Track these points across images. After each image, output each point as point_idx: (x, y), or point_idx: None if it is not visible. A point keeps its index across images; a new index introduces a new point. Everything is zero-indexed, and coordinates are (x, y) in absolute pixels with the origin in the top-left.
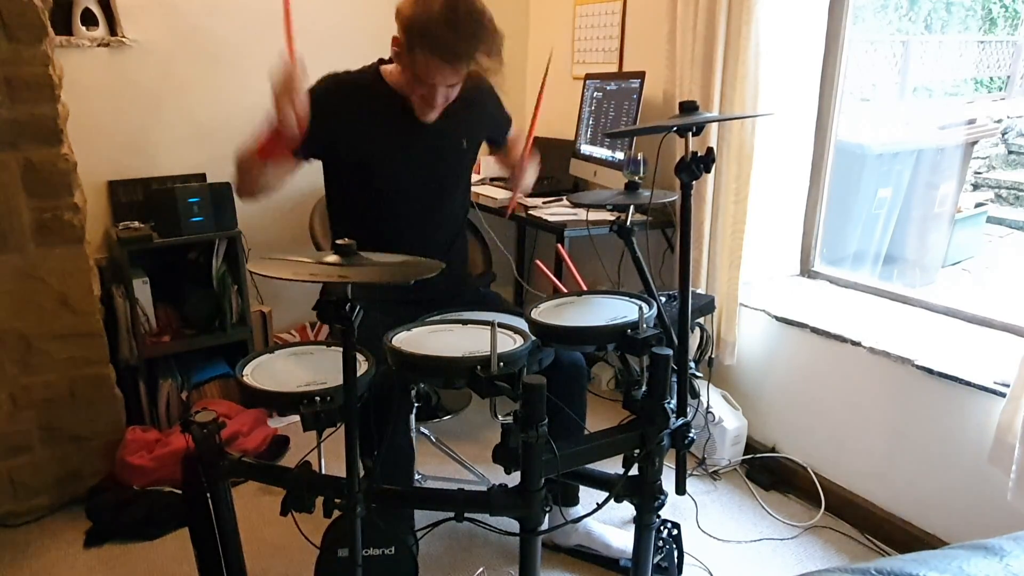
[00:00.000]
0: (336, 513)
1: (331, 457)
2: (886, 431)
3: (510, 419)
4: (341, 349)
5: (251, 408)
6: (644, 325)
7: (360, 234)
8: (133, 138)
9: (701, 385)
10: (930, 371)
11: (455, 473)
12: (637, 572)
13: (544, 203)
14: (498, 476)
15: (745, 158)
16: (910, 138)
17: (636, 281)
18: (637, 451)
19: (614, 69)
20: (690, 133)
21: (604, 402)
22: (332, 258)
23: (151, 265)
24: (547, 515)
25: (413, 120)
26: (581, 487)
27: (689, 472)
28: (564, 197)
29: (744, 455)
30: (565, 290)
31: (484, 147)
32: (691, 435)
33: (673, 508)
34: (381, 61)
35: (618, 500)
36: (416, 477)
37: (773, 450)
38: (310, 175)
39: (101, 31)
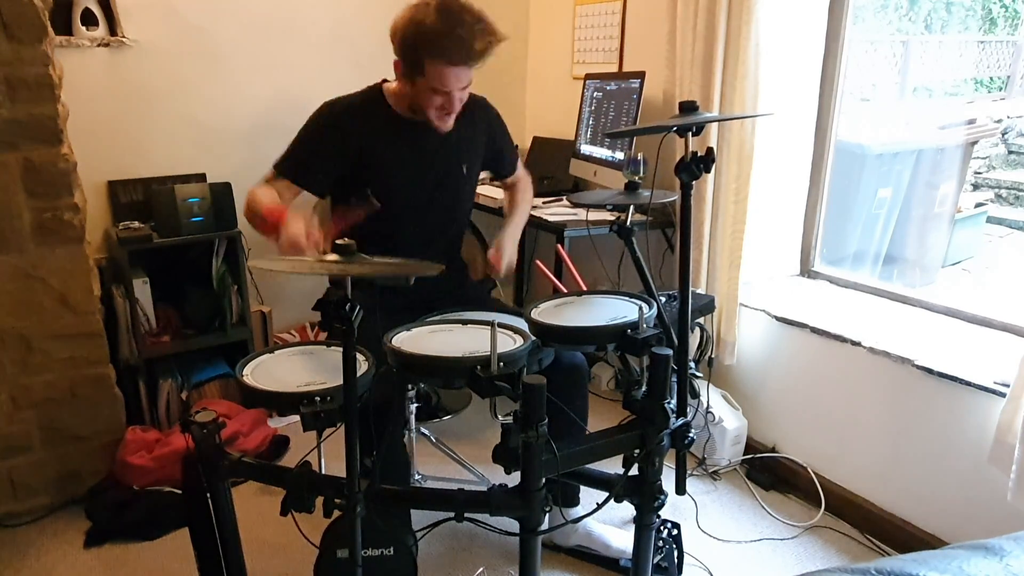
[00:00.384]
0: (336, 513)
1: (331, 457)
2: (886, 431)
3: (510, 419)
4: (341, 349)
5: (251, 408)
6: (644, 325)
7: (360, 246)
8: (133, 138)
9: (701, 385)
10: (930, 371)
11: (455, 473)
12: (637, 572)
13: (544, 203)
14: (498, 476)
15: (745, 158)
16: (910, 138)
17: (636, 281)
18: (637, 451)
19: (614, 69)
20: (690, 133)
21: (604, 402)
22: (332, 258)
23: (151, 265)
24: (547, 515)
25: (416, 140)
26: (581, 487)
27: (689, 472)
28: (564, 197)
29: (744, 455)
30: (565, 290)
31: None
32: (691, 435)
33: (673, 508)
34: (384, 81)
35: (618, 500)
36: (416, 477)
37: (773, 450)
38: None
39: (101, 31)
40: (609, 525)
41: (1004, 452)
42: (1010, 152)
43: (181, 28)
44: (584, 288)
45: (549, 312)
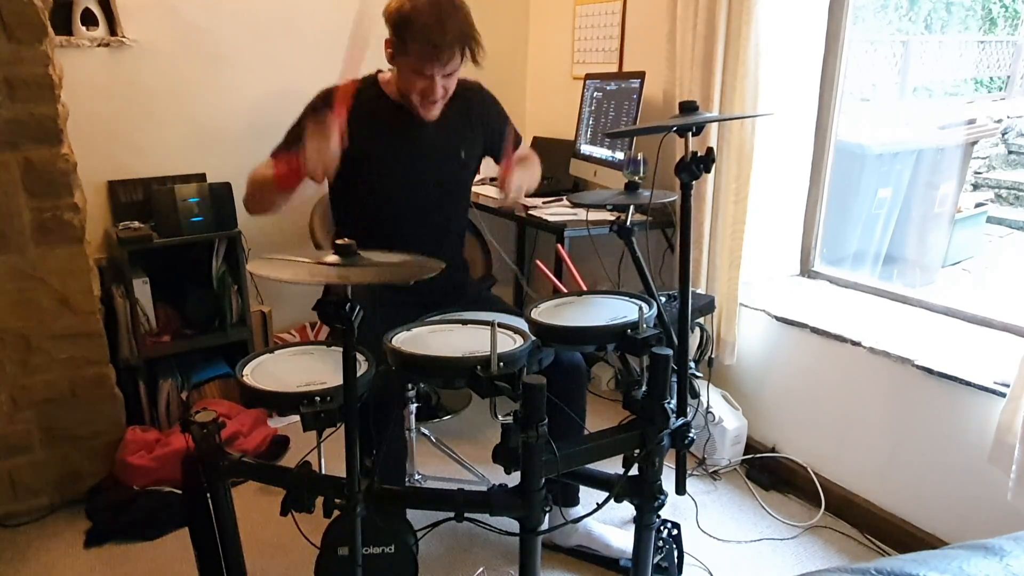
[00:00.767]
0: (336, 513)
1: (331, 457)
2: (886, 431)
3: (510, 419)
4: (341, 349)
5: (251, 408)
6: (644, 325)
7: (361, 237)
8: (133, 138)
9: (701, 385)
10: (930, 371)
11: (455, 473)
12: (637, 572)
13: (544, 203)
14: (498, 476)
15: (745, 158)
16: (910, 138)
17: (636, 281)
18: (637, 451)
19: (614, 69)
20: (690, 133)
21: (604, 402)
22: (332, 258)
23: (151, 265)
24: (547, 515)
25: (411, 128)
26: (581, 487)
27: (689, 472)
28: (564, 197)
29: (744, 455)
30: (565, 290)
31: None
32: (691, 435)
33: (673, 508)
34: (379, 72)
35: (618, 500)
36: (416, 477)
37: (773, 450)
38: None
39: (101, 31)
40: (609, 525)
41: (1004, 452)
42: (1010, 152)
43: (181, 28)
44: (584, 288)
45: (549, 312)
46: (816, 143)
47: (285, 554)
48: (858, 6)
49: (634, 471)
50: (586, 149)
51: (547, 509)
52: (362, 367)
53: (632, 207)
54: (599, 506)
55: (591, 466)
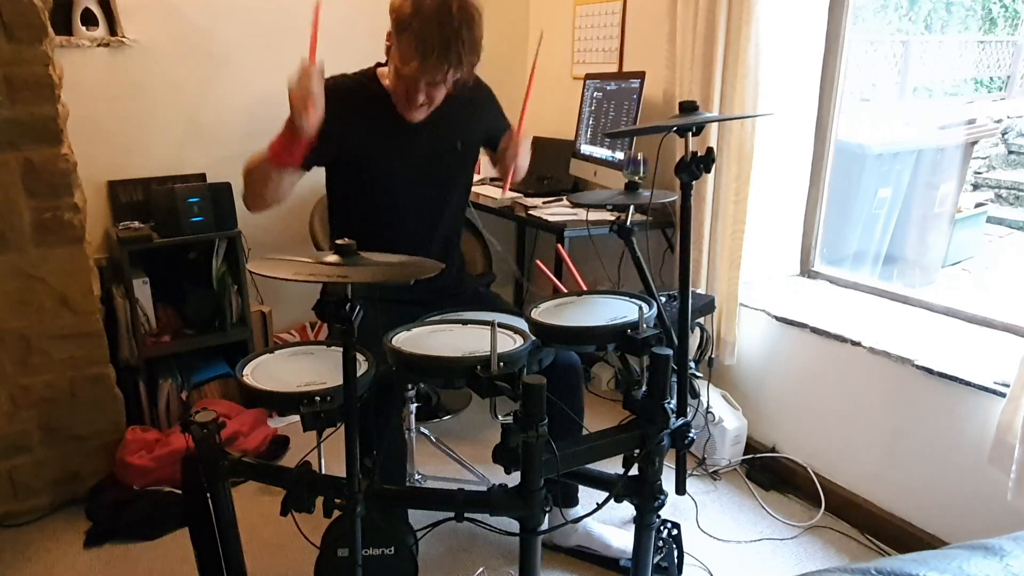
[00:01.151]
0: (336, 513)
1: (331, 457)
2: (886, 431)
3: (510, 419)
4: (341, 349)
5: (251, 408)
6: (644, 325)
7: (359, 234)
8: (133, 138)
9: (701, 385)
10: (930, 371)
11: (455, 473)
12: (637, 572)
13: (544, 203)
14: (498, 476)
15: (745, 158)
16: (910, 138)
17: (636, 281)
18: (637, 451)
19: (614, 69)
20: (690, 133)
21: (604, 402)
22: (332, 258)
23: (151, 265)
24: (547, 515)
25: (408, 123)
26: (581, 487)
27: (689, 472)
28: (564, 197)
29: (744, 455)
30: (565, 290)
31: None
32: (691, 435)
33: (673, 508)
34: (379, 64)
35: (618, 500)
36: (416, 477)
37: (773, 450)
38: (310, 175)
39: (101, 31)
40: (609, 525)
41: (1004, 452)
42: (1010, 152)
43: (181, 28)
44: (584, 288)
45: (549, 312)
46: (816, 143)
47: (285, 554)
48: (858, 6)
49: (634, 471)
50: (586, 149)
51: (547, 509)
52: (362, 367)
53: (632, 207)
54: (599, 506)
55: (591, 466)
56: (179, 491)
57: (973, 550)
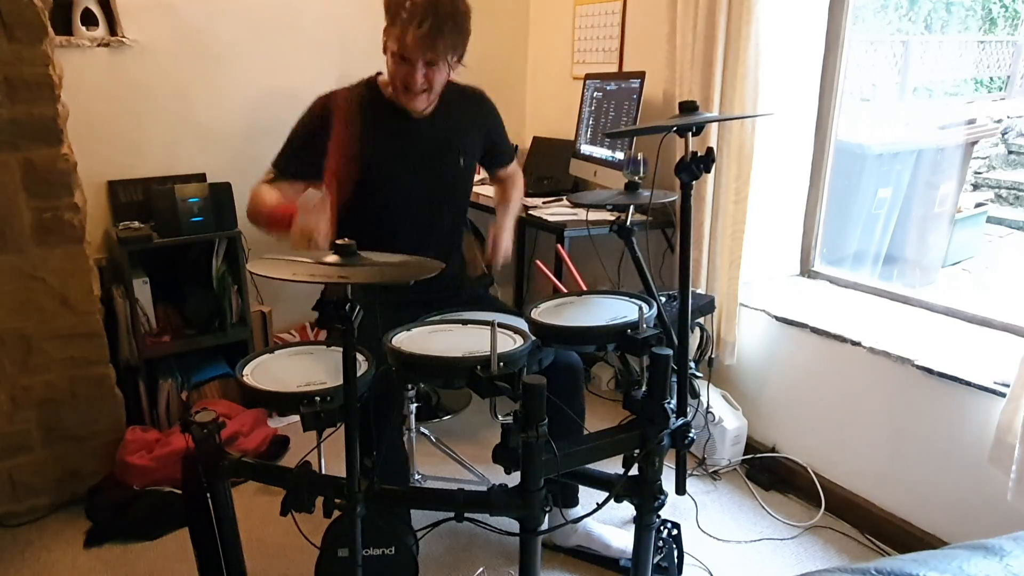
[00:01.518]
0: (336, 513)
1: (331, 457)
2: (886, 431)
3: (510, 419)
4: (341, 349)
5: (251, 408)
6: (644, 325)
7: (359, 235)
8: (133, 138)
9: (701, 385)
10: (930, 371)
11: (455, 473)
12: (637, 572)
13: (544, 203)
14: (498, 476)
15: (745, 158)
16: (910, 138)
17: (636, 281)
18: (637, 451)
19: (614, 69)
20: (690, 133)
21: (604, 402)
22: (332, 258)
23: (151, 265)
24: (547, 515)
25: (409, 129)
26: (581, 487)
27: (689, 472)
28: (564, 197)
29: (744, 455)
30: (565, 290)
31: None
32: (691, 435)
33: (673, 508)
34: (379, 74)
35: (618, 500)
36: (416, 477)
37: (773, 450)
38: None
39: (101, 31)
40: (609, 525)
41: (1004, 452)
42: (1010, 152)
43: (181, 28)
44: (584, 288)
45: (549, 312)
46: (816, 143)
47: (285, 554)
48: (858, 6)
49: (634, 471)
50: (586, 149)
51: (547, 509)
52: (362, 367)
53: (632, 207)
54: (599, 506)
55: (591, 466)
56: (179, 491)
57: (973, 550)
